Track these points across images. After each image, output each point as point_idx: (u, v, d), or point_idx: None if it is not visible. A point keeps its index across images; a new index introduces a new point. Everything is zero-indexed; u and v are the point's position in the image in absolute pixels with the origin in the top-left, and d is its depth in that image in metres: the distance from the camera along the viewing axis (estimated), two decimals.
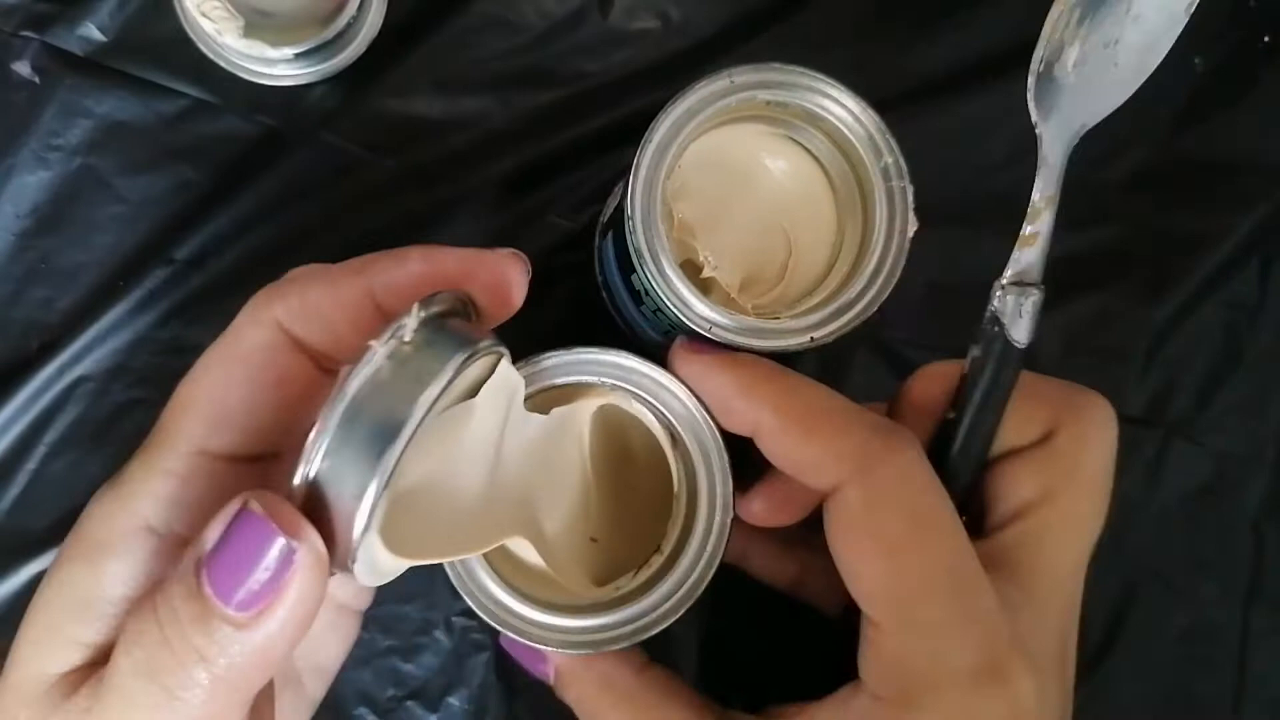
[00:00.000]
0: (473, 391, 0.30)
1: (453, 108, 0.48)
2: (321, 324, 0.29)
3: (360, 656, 0.46)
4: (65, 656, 0.27)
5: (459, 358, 0.26)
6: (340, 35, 0.46)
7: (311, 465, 0.24)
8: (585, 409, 0.36)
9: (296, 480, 0.24)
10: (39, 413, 0.46)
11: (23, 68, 0.47)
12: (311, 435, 0.24)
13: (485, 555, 0.35)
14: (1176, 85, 0.52)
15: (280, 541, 0.23)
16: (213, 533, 0.24)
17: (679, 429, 0.35)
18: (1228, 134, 0.52)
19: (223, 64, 0.47)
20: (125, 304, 0.46)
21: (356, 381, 0.24)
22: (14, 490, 0.46)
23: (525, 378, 0.34)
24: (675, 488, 0.37)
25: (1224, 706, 0.49)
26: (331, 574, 0.25)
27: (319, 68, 0.47)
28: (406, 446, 0.24)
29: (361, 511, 0.24)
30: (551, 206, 0.48)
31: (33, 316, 0.46)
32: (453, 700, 0.46)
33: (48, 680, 0.27)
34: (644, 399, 0.36)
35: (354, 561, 0.25)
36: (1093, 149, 0.51)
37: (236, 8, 0.45)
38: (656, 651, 0.47)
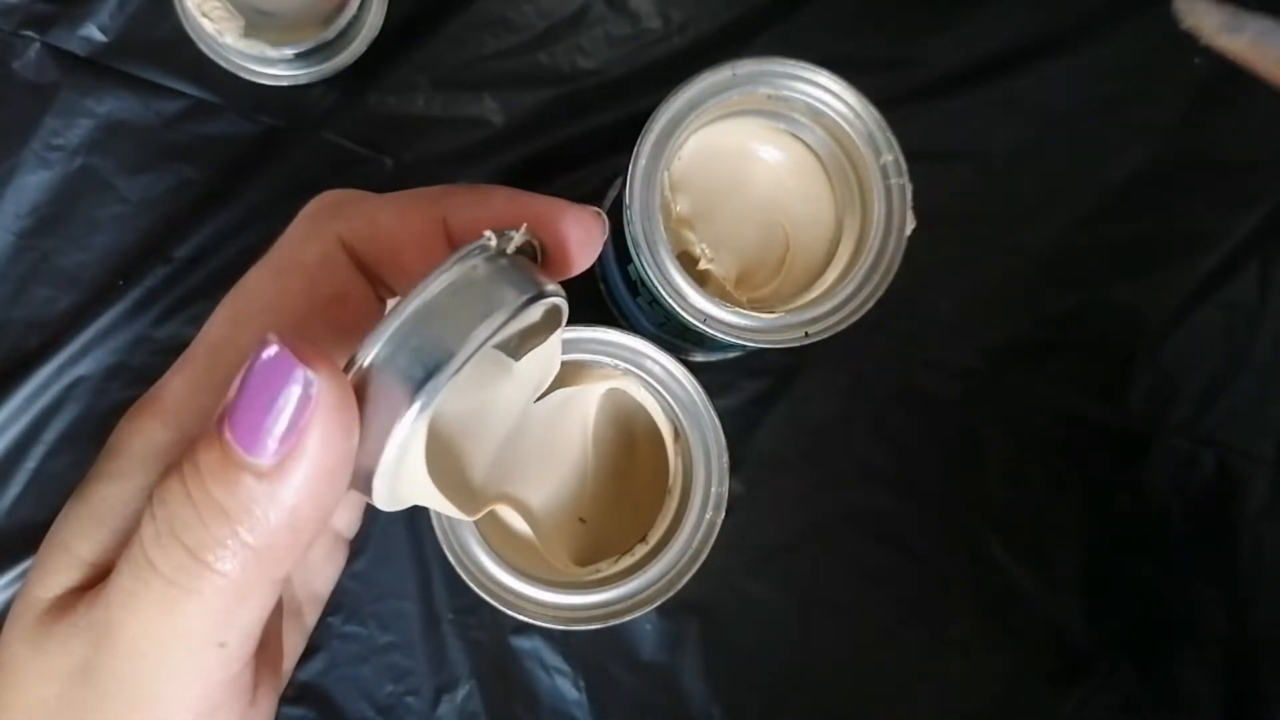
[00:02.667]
0: (516, 352, 0.29)
1: (453, 107, 0.49)
2: (388, 247, 0.28)
3: (359, 653, 0.46)
4: (66, 576, 0.25)
5: (529, 292, 0.25)
6: (340, 35, 0.46)
7: (368, 354, 0.23)
8: (595, 390, 0.37)
9: (349, 369, 0.23)
10: (39, 412, 0.46)
11: (24, 68, 0.47)
12: (379, 326, 0.23)
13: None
14: (1177, 85, 0.52)
15: (299, 373, 0.21)
16: (236, 379, 0.22)
17: (683, 422, 0.36)
18: (1228, 134, 0.52)
19: (223, 64, 0.47)
20: (125, 303, 0.46)
21: (435, 285, 0.23)
22: (14, 489, 0.46)
23: None
24: (671, 480, 0.37)
25: (1224, 707, 0.49)
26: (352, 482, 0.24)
27: (319, 68, 0.47)
28: (463, 366, 0.23)
29: (403, 421, 0.23)
30: None
31: (33, 316, 0.46)
32: (451, 697, 0.46)
33: (44, 603, 0.25)
34: (653, 387, 0.36)
35: (379, 475, 0.23)
36: (1093, 148, 0.51)
37: (236, 8, 0.45)
38: (657, 651, 0.47)
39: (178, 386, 0.27)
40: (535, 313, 0.27)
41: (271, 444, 0.21)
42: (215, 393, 0.24)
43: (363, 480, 0.24)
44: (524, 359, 0.29)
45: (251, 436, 0.21)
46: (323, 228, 0.27)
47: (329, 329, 0.28)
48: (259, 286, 0.27)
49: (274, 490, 0.22)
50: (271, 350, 0.21)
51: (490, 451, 0.31)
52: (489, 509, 0.32)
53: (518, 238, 0.26)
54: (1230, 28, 0.37)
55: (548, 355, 0.30)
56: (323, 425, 0.22)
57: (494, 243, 0.25)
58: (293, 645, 0.33)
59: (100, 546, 0.25)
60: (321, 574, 0.34)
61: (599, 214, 0.28)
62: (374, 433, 0.23)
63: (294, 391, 0.21)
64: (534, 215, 0.27)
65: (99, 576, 0.25)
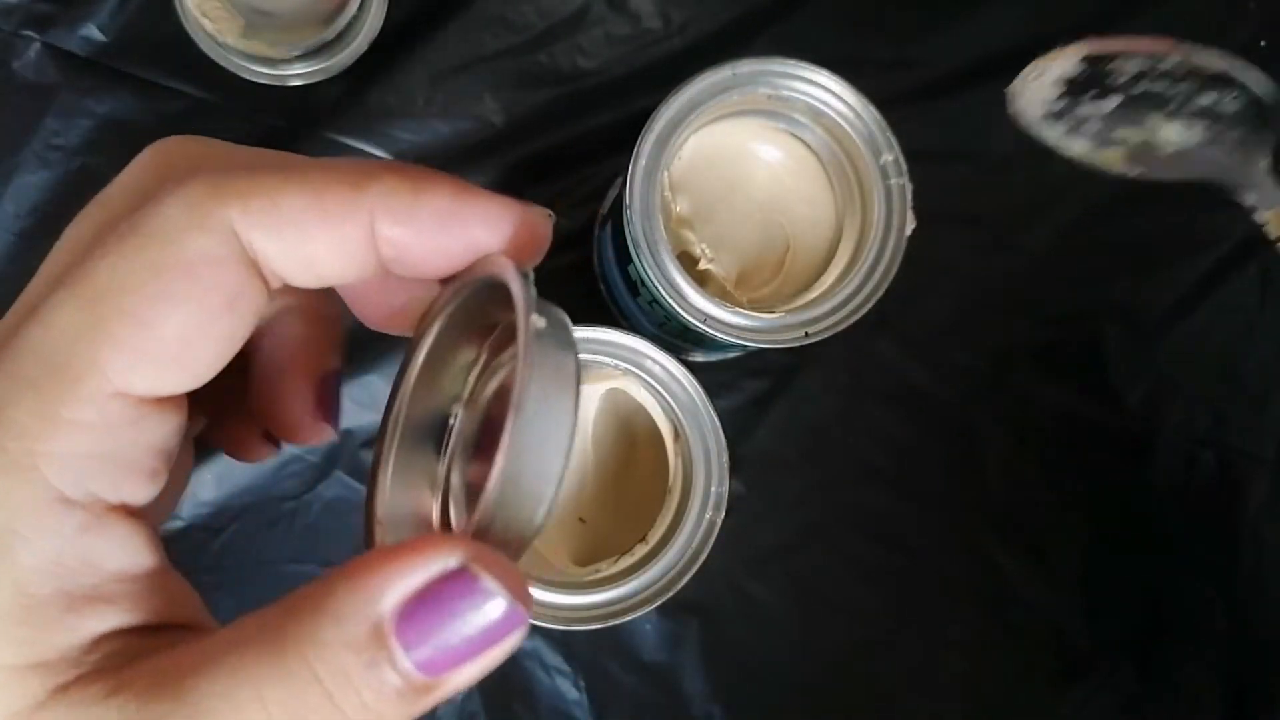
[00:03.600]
0: None
1: (453, 107, 0.49)
2: (297, 248, 0.21)
3: None
4: (21, 693, 0.19)
5: (575, 353, 0.22)
6: (340, 35, 0.46)
7: (490, 497, 0.20)
8: (595, 390, 0.37)
9: (479, 515, 0.20)
10: None
11: (24, 68, 0.47)
12: (499, 466, 0.20)
13: None
14: None
15: (501, 605, 0.19)
16: (398, 593, 0.19)
17: (683, 422, 0.36)
18: None
19: (223, 64, 0.47)
20: None
21: (527, 399, 0.20)
22: None
23: None
24: (670, 480, 0.37)
25: (1224, 707, 0.49)
26: None
27: (319, 68, 0.47)
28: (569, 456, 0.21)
29: (531, 534, 0.21)
30: (551, 206, 0.48)
31: None
32: (451, 697, 0.46)
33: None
34: (653, 387, 0.36)
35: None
36: None
37: (236, 8, 0.45)
38: (657, 651, 0.47)
39: (27, 425, 0.20)
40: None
41: (443, 664, 0.19)
42: (80, 432, 0.20)
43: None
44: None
45: (427, 658, 0.19)
46: (208, 216, 0.20)
47: (216, 342, 0.21)
48: (128, 290, 0.20)
49: (433, 697, 0.20)
50: (470, 578, 0.19)
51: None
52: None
53: (536, 321, 0.21)
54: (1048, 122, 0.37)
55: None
56: (508, 645, 0.20)
57: (535, 316, 0.21)
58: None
59: (33, 651, 0.19)
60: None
61: (549, 216, 0.24)
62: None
63: (492, 619, 0.19)
64: (483, 217, 0.23)
65: (68, 681, 0.20)
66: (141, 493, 0.21)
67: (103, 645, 0.20)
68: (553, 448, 0.21)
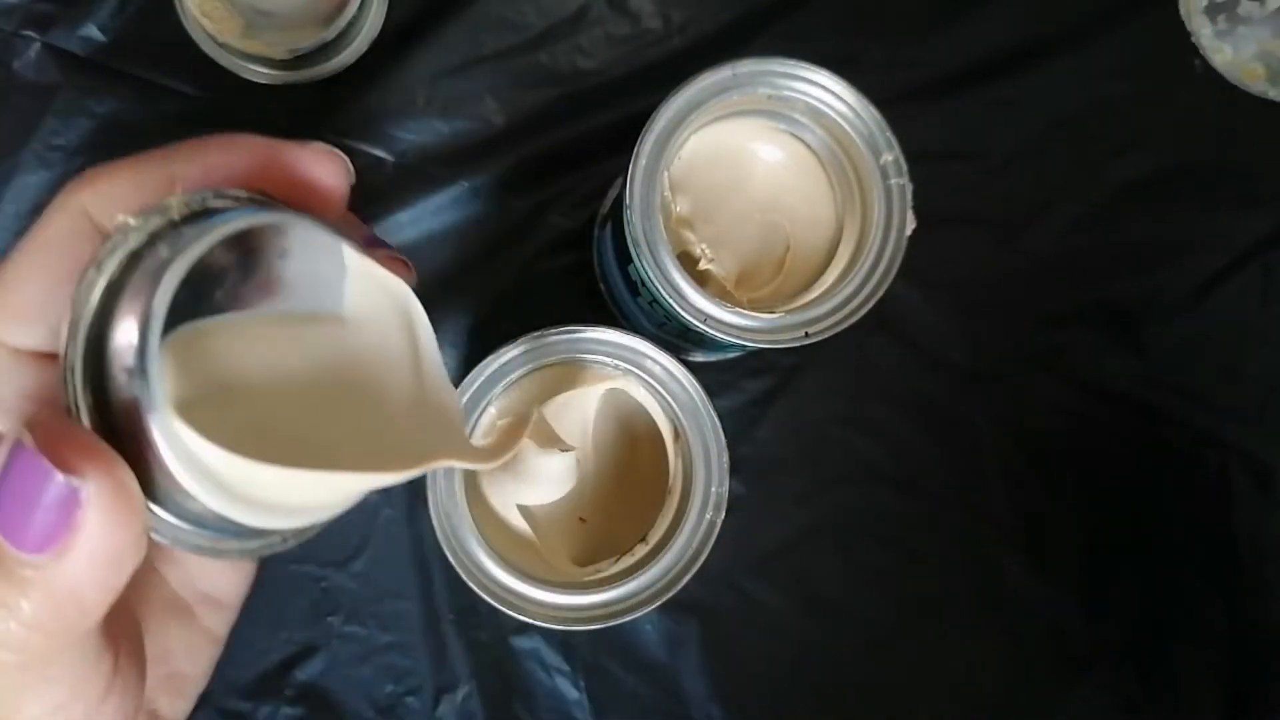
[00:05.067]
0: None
1: (453, 107, 0.49)
2: (128, 210, 0.25)
3: (359, 653, 0.46)
4: None
5: (233, 220, 0.22)
6: (340, 35, 0.46)
7: (73, 353, 0.21)
8: (595, 390, 0.37)
9: (74, 380, 0.21)
10: None
11: (24, 68, 0.47)
12: (69, 324, 0.21)
13: (474, 519, 0.35)
14: (1177, 86, 0.52)
15: (58, 481, 0.20)
16: None
17: (683, 422, 0.36)
18: (1227, 136, 0.52)
19: (223, 64, 0.47)
20: None
21: (111, 257, 0.21)
22: None
23: (537, 349, 0.34)
24: (670, 480, 0.37)
25: (1224, 707, 0.49)
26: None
27: (319, 68, 0.47)
28: (171, 299, 0.20)
29: (142, 386, 0.20)
30: (551, 206, 0.49)
31: None
32: (451, 697, 0.46)
33: None
34: (653, 387, 0.36)
35: (170, 464, 0.20)
36: (1093, 149, 0.51)
37: (236, 8, 0.45)
38: (657, 651, 0.47)
39: None
40: (280, 253, 0.24)
41: (41, 540, 0.20)
42: None
43: (209, 520, 0.22)
44: (351, 301, 0.26)
45: (19, 533, 0.20)
46: (69, 199, 0.25)
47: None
48: (6, 262, 0.26)
49: (50, 577, 0.20)
50: (29, 449, 0.20)
51: (401, 401, 0.27)
52: (428, 466, 0.26)
53: (177, 201, 0.23)
54: None
55: (367, 278, 0.26)
56: (96, 520, 0.20)
57: (177, 199, 0.23)
58: (192, 646, 0.31)
59: None
60: (211, 575, 0.31)
61: (331, 153, 0.27)
62: (158, 465, 0.21)
63: (54, 495, 0.20)
64: (251, 162, 0.26)
65: None
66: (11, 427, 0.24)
67: None
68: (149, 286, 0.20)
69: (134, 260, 0.22)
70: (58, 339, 0.23)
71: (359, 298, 0.26)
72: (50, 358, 0.25)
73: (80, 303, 0.21)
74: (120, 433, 0.21)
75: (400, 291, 0.26)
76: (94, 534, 0.20)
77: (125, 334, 0.20)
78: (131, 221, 0.22)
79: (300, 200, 0.26)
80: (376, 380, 0.26)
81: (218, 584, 0.32)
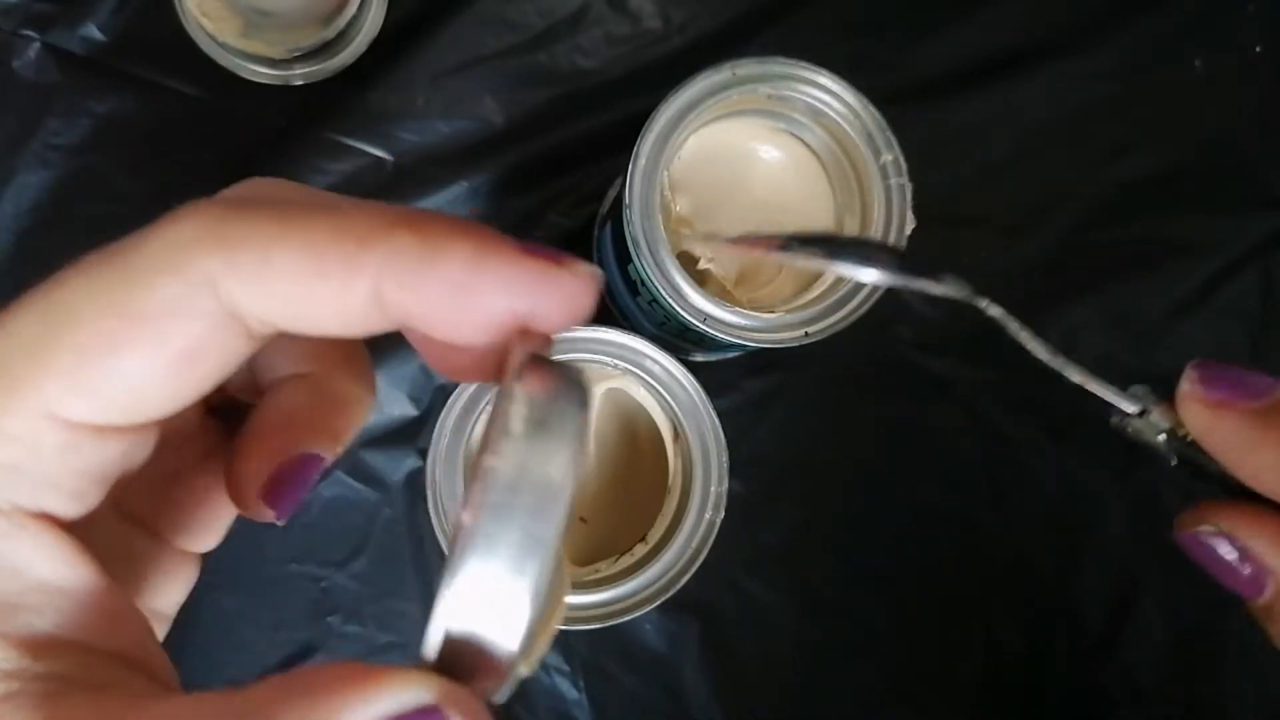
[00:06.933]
0: None
1: (453, 107, 0.49)
2: (285, 302, 0.20)
3: (358, 653, 0.46)
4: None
5: (581, 414, 0.19)
6: (340, 35, 0.46)
7: (437, 621, 0.18)
8: (595, 390, 0.37)
9: (437, 633, 0.18)
10: None
11: (24, 68, 0.47)
12: (455, 577, 0.18)
13: None
14: (1177, 86, 0.52)
15: None
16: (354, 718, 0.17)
17: (683, 422, 0.36)
18: (1227, 136, 0.52)
19: (223, 64, 0.47)
20: None
21: (496, 488, 0.18)
22: None
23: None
24: (670, 480, 0.37)
25: (1224, 707, 0.49)
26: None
27: (319, 67, 0.47)
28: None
29: (519, 642, 0.18)
30: (551, 206, 0.49)
31: None
32: None
33: None
34: (652, 387, 0.36)
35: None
36: (1093, 153, 0.51)
37: (236, 8, 0.45)
38: (657, 651, 0.47)
39: None
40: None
41: None
42: (7, 444, 0.19)
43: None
44: None
45: None
46: (188, 261, 0.19)
47: (166, 382, 0.20)
48: (84, 319, 0.20)
49: None
50: None
51: None
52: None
53: (550, 375, 0.19)
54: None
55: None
56: None
57: (518, 426, 0.18)
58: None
59: None
60: (167, 593, 0.27)
61: (594, 274, 0.20)
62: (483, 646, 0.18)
63: None
64: (504, 291, 0.19)
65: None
66: (64, 508, 0.20)
67: (39, 654, 0.19)
68: (529, 556, 0.18)
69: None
70: (131, 414, 0.20)
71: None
72: (116, 429, 0.21)
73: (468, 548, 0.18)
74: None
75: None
76: None
77: (509, 587, 0.18)
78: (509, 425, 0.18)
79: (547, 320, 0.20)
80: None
81: (170, 601, 0.28)
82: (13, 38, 0.47)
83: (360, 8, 0.46)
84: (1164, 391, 0.28)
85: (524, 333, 0.20)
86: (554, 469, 0.18)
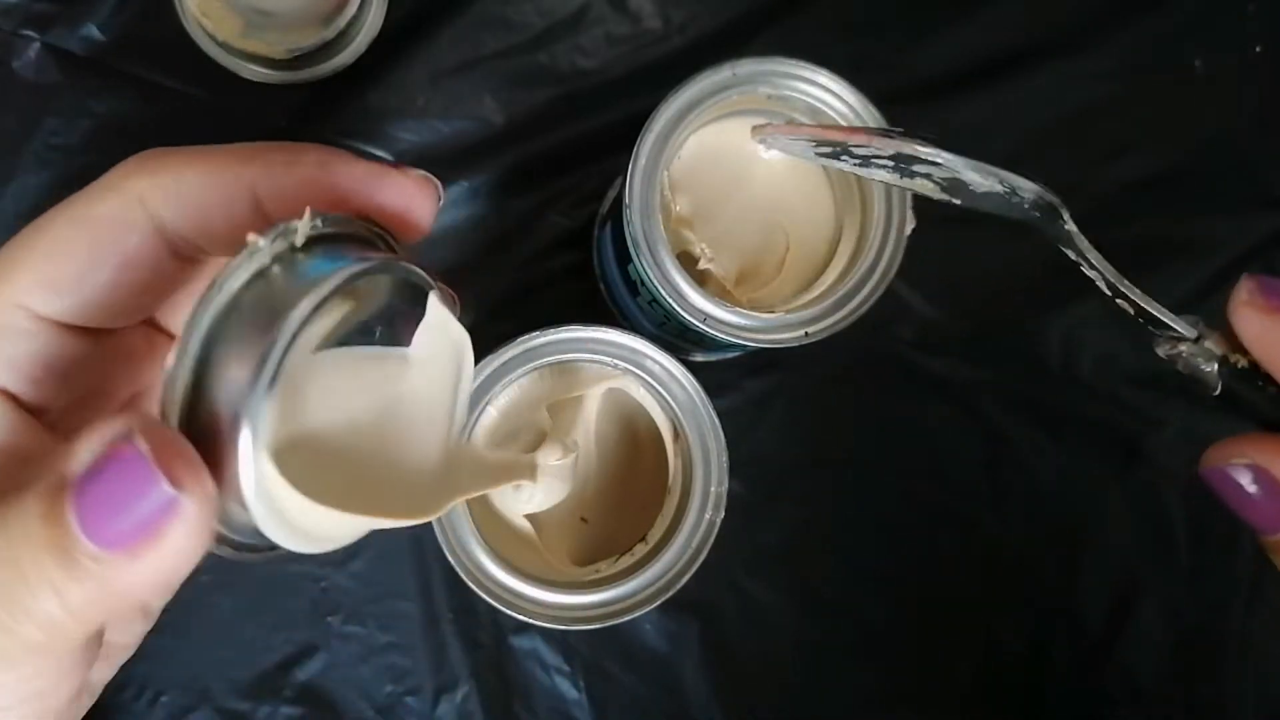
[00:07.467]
0: (396, 338, 0.27)
1: (453, 107, 0.48)
2: (192, 210, 0.26)
3: (358, 653, 0.46)
4: None
5: (352, 267, 0.23)
6: (340, 35, 0.46)
7: (182, 368, 0.21)
8: (595, 390, 0.37)
9: (175, 392, 0.21)
10: None
11: (24, 68, 0.47)
12: (182, 334, 0.21)
13: (473, 519, 0.35)
14: (1177, 85, 0.52)
15: (163, 490, 0.20)
16: (84, 456, 0.21)
17: (682, 422, 0.36)
18: (1227, 140, 0.52)
19: (223, 64, 0.47)
20: None
21: (236, 276, 0.22)
22: None
23: (537, 349, 0.34)
24: (670, 480, 0.37)
25: (1224, 707, 0.49)
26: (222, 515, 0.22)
27: (319, 67, 0.47)
28: (289, 349, 0.21)
29: (247, 426, 0.21)
30: (551, 206, 0.49)
31: None
32: (451, 697, 0.46)
33: None
34: (652, 387, 0.36)
35: (249, 497, 0.21)
36: (1092, 153, 0.51)
37: (236, 8, 0.45)
38: (657, 651, 0.47)
39: None
40: (377, 295, 0.25)
41: (117, 540, 0.20)
42: None
43: (247, 532, 0.22)
44: (418, 342, 0.27)
45: (99, 529, 0.20)
46: (123, 183, 0.25)
47: (114, 289, 0.26)
48: (46, 230, 0.26)
49: (111, 576, 0.21)
50: (136, 452, 0.20)
51: (436, 444, 0.29)
52: (452, 504, 0.30)
53: (302, 227, 0.23)
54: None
55: (440, 326, 0.27)
56: (180, 535, 0.20)
57: (305, 222, 0.23)
58: (128, 620, 0.32)
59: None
60: (133, 629, 0.33)
61: (427, 179, 0.28)
62: (224, 453, 0.21)
63: (153, 502, 0.20)
64: (348, 184, 0.27)
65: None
66: (22, 390, 0.26)
67: None
68: (264, 330, 0.21)
69: (254, 280, 0.22)
70: (83, 313, 0.26)
71: (426, 343, 0.27)
72: (70, 329, 0.26)
73: (196, 322, 0.21)
74: (202, 448, 0.21)
75: (463, 342, 0.28)
76: (174, 544, 0.21)
77: (238, 369, 0.21)
78: (260, 243, 0.22)
79: (390, 226, 0.27)
80: (422, 420, 0.28)
81: (131, 637, 0.33)
82: (13, 38, 0.47)
83: (360, 8, 0.46)
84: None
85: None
86: (289, 301, 0.21)
